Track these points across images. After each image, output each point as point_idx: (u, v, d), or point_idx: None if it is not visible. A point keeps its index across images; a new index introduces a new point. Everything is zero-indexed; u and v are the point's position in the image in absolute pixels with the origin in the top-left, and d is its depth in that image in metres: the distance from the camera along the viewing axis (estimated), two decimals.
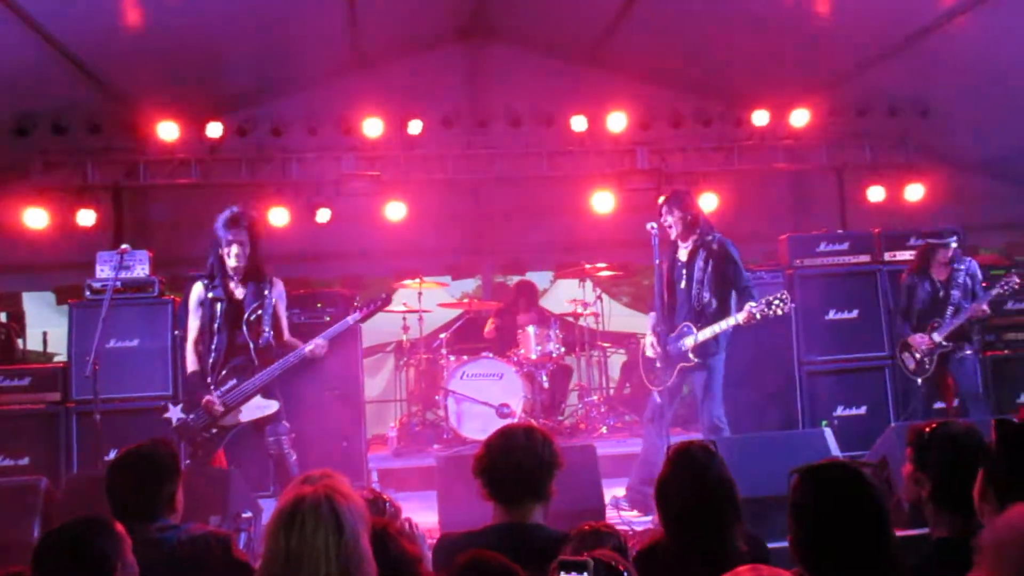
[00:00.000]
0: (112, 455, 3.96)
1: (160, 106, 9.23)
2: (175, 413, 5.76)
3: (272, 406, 5.76)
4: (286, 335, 5.99)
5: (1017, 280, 7.18)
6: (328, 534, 2.29)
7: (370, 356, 10.57)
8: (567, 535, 3.02)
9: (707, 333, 6.22)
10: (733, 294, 6.34)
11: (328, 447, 7.31)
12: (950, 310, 7.27)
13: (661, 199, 6.45)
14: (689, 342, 6.25)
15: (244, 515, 4.16)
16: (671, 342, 6.31)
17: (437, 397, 8.65)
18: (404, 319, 9.38)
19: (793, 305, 6.26)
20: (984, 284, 7.38)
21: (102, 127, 9.19)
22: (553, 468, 3.31)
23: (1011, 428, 2.54)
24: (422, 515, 6.03)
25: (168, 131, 9.31)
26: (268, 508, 5.72)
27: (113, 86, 8.90)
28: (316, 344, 5.81)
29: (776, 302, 6.06)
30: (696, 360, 6.25)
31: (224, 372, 5.73)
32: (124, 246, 6.67)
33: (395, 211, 9.93)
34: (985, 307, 7.20)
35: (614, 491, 6.28)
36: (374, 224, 10.07)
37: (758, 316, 6.08)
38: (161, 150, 9.59)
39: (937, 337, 7.26)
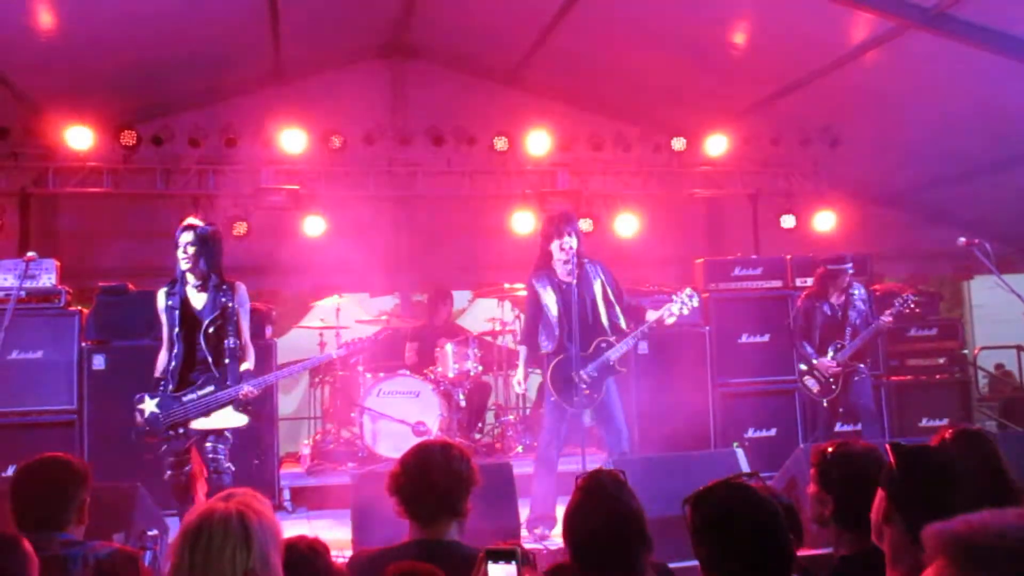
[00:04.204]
0: (10, 471, 3.82)
1: (72, 112, 8.97)
2: (149, 406, 5.50)
3: (241, 420, 5.56)
4: (245, 339, 5.70)
5: (913, 300, 7.43)
6: (236, 550, 2.19)
7: None
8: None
9: (623, 347, 6.38)
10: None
11: (240, 465, 7.15)
12: (848, 331, 7.48)
13: (560, 221, 6.46)
14: (614, 355, 6.35)
15: (150, 532, 4.03)
16: (587, 362, 6.34)
17: (352, 414, 8.55)
18: (321, 335, 9.26)
19: (697, 306, 6.55)
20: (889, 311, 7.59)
21: (10, 131, 8.90)
22: (470, 485, 3.29)
23: (906, 450, 2.65)
24: (336, 533, 5.98)
25: (79, 138, 9.02)
26: (175, 526, 5.61)
27: (22, 90, 8.64)
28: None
29: (684, 298, 6.39)
30: (622, 370, 6.46)
31: (200, 380, 5.53)
32: (30, 254, 6.41)
33: (314, 226, 9.82)
34: (889, 319, 7.41)
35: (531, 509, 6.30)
36: (292, 239, 9.94)
37: (674, 314, 6.41)
38: (72, 157, 9.30)
39: (842, 358, 7.44)
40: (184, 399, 5.48)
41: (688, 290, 6.49)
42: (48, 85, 8.71)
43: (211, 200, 9.72)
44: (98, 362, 7.33)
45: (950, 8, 7.12)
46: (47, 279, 7.44)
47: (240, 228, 9.56)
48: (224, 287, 5.61)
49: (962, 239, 6.55)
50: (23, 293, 6.79)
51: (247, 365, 5.62)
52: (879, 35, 7.87)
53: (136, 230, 9.83)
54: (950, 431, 3.46)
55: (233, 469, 5.56)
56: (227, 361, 5.54)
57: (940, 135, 9.17)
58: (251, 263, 9.97)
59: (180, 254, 5.53)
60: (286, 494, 7.74)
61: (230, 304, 5.56)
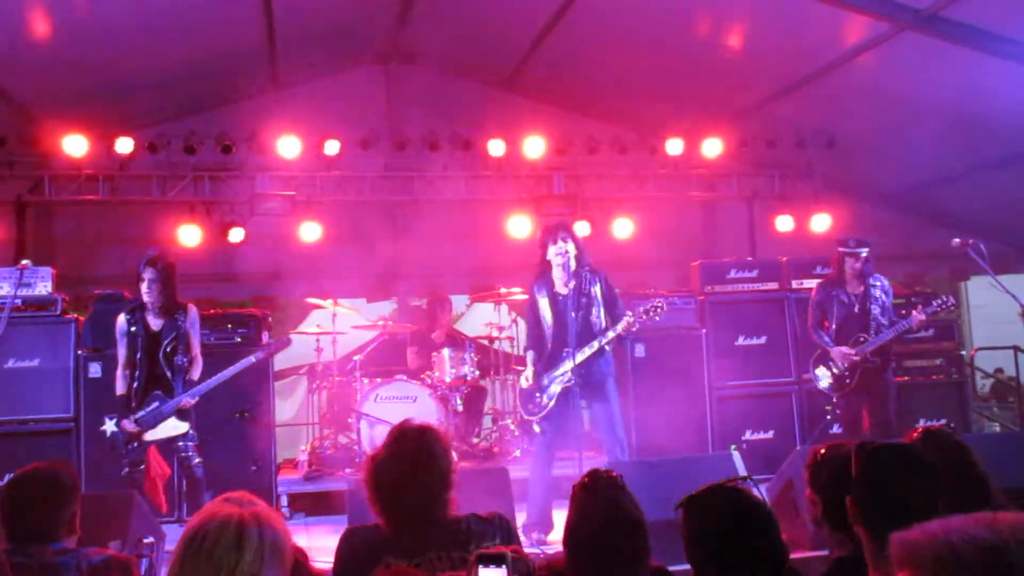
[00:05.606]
0: (7, 479, 3.82)
1: (67, 120, 8.97)
2: (109, 427, 6.10)
3: (183, 427, 6.12)
4: (193, 359, 6.32)
5: (954, 301, 7.24)
6: (224, 556, 2.12)
7: (282, 379, 10.40)
8: (477, 515, 3.08)
9: (586, 351, 6.24)
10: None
11: (237, 470, 7.18)
12: (873, 327, 7.06)
13: (555, 227, 6.48)
14: (569, 364, 6.24)
15: (146, 540, 4.02)
16: (549, 370, 6.38)
17: (350, 420, 8.54)
18: (318, 341, 9.25)
19: (665, 306, 6.41)
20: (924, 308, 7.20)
21: (6, 139, 8.90)
22: (448, 477, 3.15)
23: (865, 452, 2.66)
24: (334, 539, 5.97)
25: (75, 145, 9.04)
26: (171, 534, 5.62)
27: (18, 98, 8.64)
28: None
29: (651, 308, 6.29)
30: (575, 381, 6.25)
31: (148, 396, 6.10)
32: (24, 262, 6.45)
33: (310, 232, 9.81)
34: (924, 317, 6.95)
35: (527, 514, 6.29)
36: (288, 245, 9.94)
37: (636, 325, 6.27)
38: (68, 165, 9.31)
39: (863, 351, 7.03)
40: (137, 416, 6.04)
41: (657, 301, 6.41)
42: (44, 93, 8.71)
43: (207, 207, 9.73)
44: (94, 370, 7.33)
45: (943, 10, 7.14)
46: (43, 287, 7.44)
47: (236, 234, 9.55)
48: (179, 312, 6.22)
49: (956, 240, 6.55)
50: (19, 301, 6.81)
51: (193, 376, 6.25)
52: (873, 37, 7.88)
53: (132, 237, 9.80)
54: (918, 432, 3.46)
55: (200, 460, 6.16)
56: (177, 376, 6.18)
57: (935, 136, 9.15)
58: (248, 269, 9.99)
59: (144, 288, 6.09)
60: (284, 500, 7.73)
61: (183, 327, 6.20)
